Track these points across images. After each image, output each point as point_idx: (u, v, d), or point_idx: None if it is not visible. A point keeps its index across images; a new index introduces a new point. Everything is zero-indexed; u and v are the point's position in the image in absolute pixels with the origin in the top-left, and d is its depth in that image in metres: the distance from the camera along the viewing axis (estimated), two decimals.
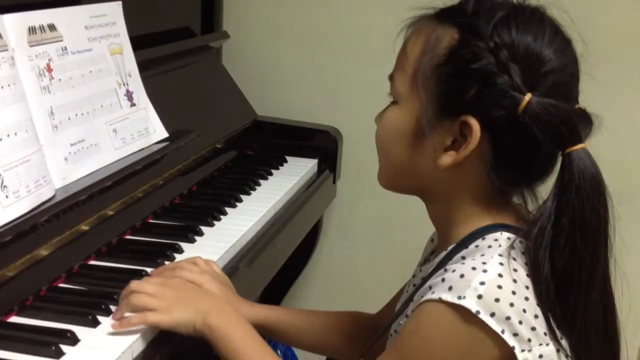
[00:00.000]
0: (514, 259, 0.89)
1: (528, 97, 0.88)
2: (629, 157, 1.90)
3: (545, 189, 0.94)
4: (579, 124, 0.90)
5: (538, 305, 0.88)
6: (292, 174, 1.77)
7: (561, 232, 0.89)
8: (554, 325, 0.89)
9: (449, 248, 0.96)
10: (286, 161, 1.85)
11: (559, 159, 0.92)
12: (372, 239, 2.12)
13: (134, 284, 1.05)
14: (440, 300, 0.87)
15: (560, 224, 0.89)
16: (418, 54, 0.94)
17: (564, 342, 0.90)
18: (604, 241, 0.92)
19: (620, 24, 1.85)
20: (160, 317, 1.00)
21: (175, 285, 1.05)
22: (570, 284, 0.90)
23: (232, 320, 1.03)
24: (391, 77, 0.99)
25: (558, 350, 0.89)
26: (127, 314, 1.02)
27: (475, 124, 0.89)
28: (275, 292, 1.94)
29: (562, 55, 0.91)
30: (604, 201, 0.91)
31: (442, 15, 0.96)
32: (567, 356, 0.90)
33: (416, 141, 0.95)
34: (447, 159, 0.92)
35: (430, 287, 0.90)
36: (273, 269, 1.55)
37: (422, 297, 0.90)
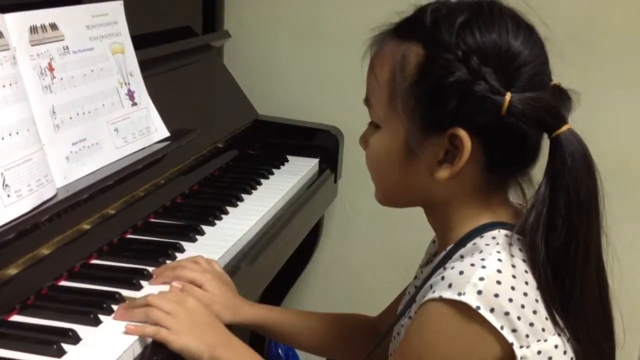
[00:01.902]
0: (512, 255, 0.90)
1: (508, 96, 0.88)
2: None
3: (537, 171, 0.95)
4: (560, 105, 0.91)
5: (538, 297, 0.88)
6: (293, 174, 1.77)
7: (557, 214, 0.90)
8: (555, 313, 0.89)
9: (448, 248, 0.96)
10: (287, 160, 1.85)
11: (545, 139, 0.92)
12: (373, 239, 2.12)
13: (152, 299, 1.05)
14: (441, 299, 0.87)
15: (556, 207, 0.90)
16: (388, 77, 0.94)
17: (563, 334, 0.90)
18: (597, 217, 0.93)
19: (622, 23, 1.85)
20: (172, 338, 1.00)
21: (190, 307, 1.05)
22: (566, 265, 0.90)
23: (240, 354, 1.04)
24: (367, 102, 0.99)
25: (556, 347, 0.89)
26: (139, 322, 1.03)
27: (464, 135, 0.90)
28: (276, 291, 1.94)
29: (531, 46, 0.91)
30: (594, 176, 0.92)
31: (403, 31, 0.95)
32: (564, 352, 0.90)
33: (408, 161, 0.95)
34: (444, 172, 0.93)
35: (431, 287, 0.90)
36: (274, 269, 1.56)
37: (424, 297, 0.90)
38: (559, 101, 0.91)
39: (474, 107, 0.89)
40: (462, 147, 0.90)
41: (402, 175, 0.97)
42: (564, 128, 0.90)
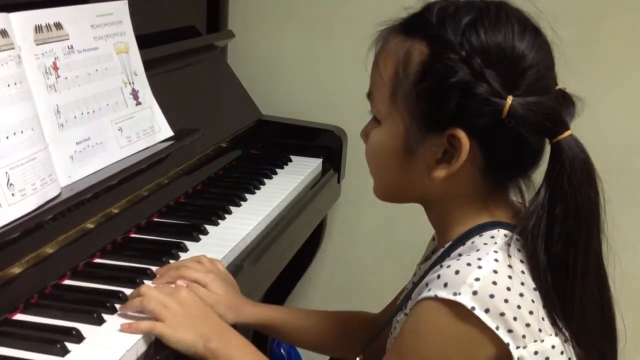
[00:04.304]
0: (510, 255, 0.89)
1: (509, 100, 0.87)
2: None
3: (540, 174, 0.94)
4: (563, 111, 0.90)
5: (534, 298, 0.88)
6: (297, 173, 1.77)
7: (555, 222, 0.90)
8: (555, 316, 0.89)
9: (446, 245, 0.96)
10: (291, 160, 1.85)
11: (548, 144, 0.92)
12: (376, 239, 2.13)
13: (144, 289, 1.05)
14: (436, 298, 0.87)
15: (554, 213, 0.90)
16: (391, 72, 0.93)
17: (561, 334, 0.90)
18: (597, 225, 0.92)
19: (626, 24, 1.85)
20: (167, 331, 1.01)
21: (183, 300, 1.05)
22: (566, 271, 0.90)
23: (234, 344, 1.03)
24: (369, 96, 0.98)
25: (553, 347, 0.89)
26: (134, 319, 1.03)
27: (463, 136, 0.89)
28: (279, 291, 1.94)
29: (536, 50, 0.90)
30: (594, 185, 0.91)
31: (408, 28, 0.94)
32: (562, 353, 0.90)
33: (406, 158, 0.95)
34: (441, 172, 0.92)
35: (427, 284, 0.90)
36: (277, 268, 1.56)
37: (420, 294, 0.90)
38: (561, 106, 0.90)
39: (474, 109, 0.88)
40: (460, 148, 0.90)
41: (399, 172, 0.97)
42: (566, 134, 0.89)
